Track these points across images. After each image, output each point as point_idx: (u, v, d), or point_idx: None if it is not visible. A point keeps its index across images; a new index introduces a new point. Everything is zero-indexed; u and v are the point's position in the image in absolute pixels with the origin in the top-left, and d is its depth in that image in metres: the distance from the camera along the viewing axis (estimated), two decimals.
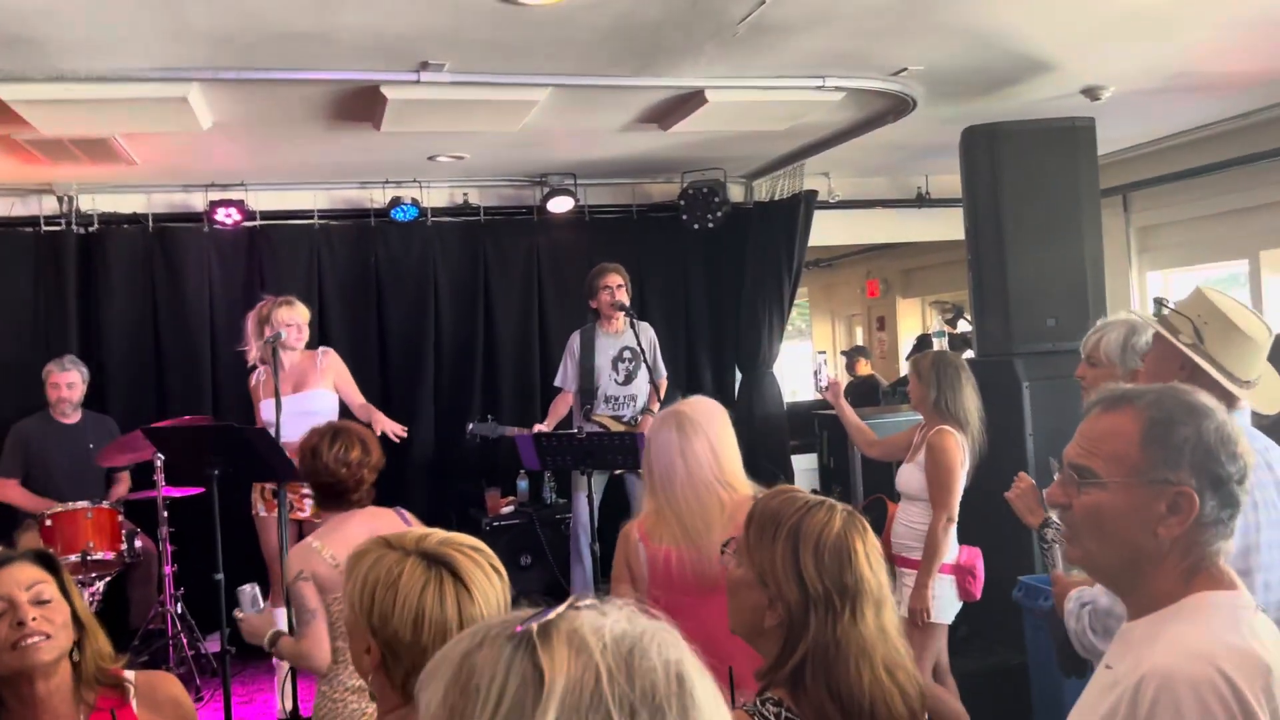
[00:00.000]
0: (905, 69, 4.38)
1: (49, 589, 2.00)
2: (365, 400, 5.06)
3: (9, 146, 4.78)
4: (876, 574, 1.65)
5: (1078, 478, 1.45)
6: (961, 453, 3.80)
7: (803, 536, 1.63)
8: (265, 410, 4.66)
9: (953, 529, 3.81)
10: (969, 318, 6.00)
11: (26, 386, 5.48)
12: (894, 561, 3.88)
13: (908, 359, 9.63)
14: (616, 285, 5.40)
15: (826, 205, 6.75)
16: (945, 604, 3.80)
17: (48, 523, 4.72)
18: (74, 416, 5.30)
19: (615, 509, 5.65)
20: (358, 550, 1.62)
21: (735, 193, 6.75)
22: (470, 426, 5.41)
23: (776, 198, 6.61)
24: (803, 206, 6.42)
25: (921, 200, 7.09)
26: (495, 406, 6.39)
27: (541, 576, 5.97)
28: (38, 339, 5.74)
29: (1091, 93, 4.79)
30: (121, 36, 3.47)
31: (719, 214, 6.35)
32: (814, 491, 1.80)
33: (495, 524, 5.94)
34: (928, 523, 3.81)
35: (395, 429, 4.87)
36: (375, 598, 1.53)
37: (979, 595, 3.86)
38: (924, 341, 9.85)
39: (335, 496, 2.96)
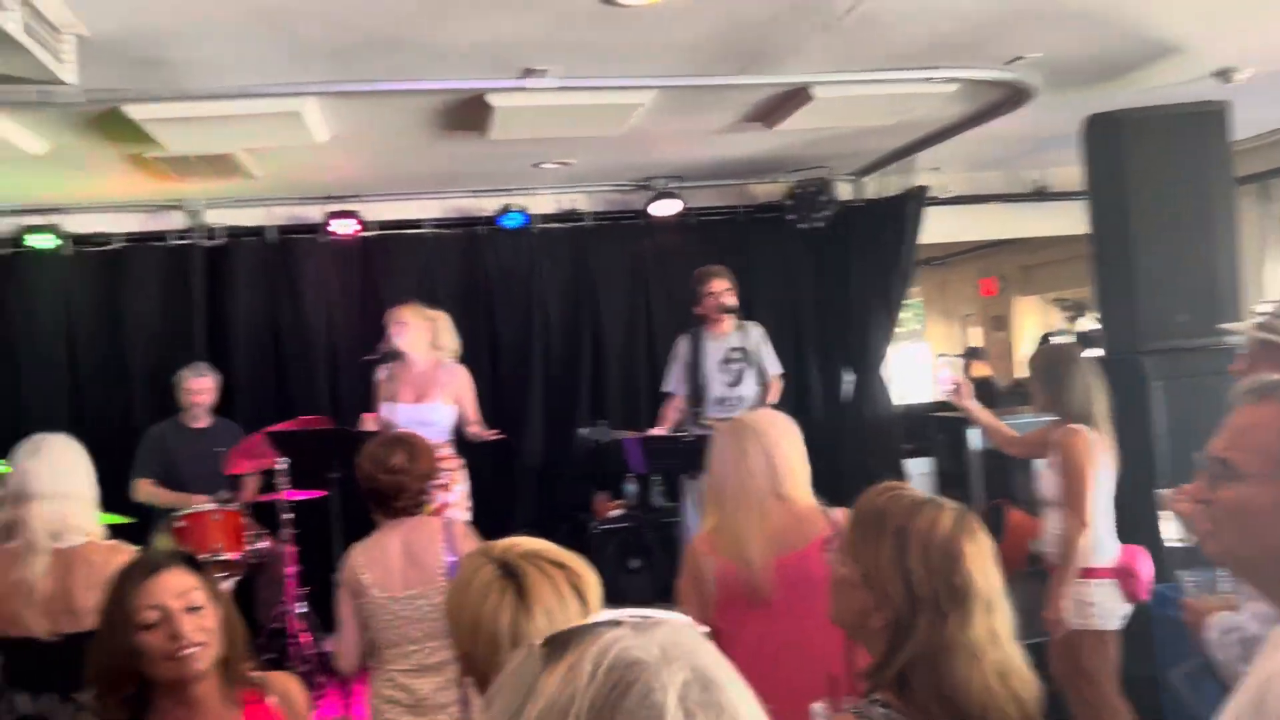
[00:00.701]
0: (1021, 57, 4.22)
1: (199, 595, 2.01)
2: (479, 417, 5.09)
3: (141, 165, 5.02)
4: (987, 576, 1.57)
5: (1221, 471, 1.36)
6: (1093, 451, 3.61)
7: (910, 536, 1.57)
8: (385, 410, 4.76)
9: (1100, 531, 3.61)
10: (1093, 315, 5.75)
11: (159, 393, 5.77)
12: (1048, 569, 3.72)
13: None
14: (724, 289, 5.36)
15: (938, 201, 6.56)
16: (1109, 610, 3.59)
17: (180, 524, 4.92)
18: (204, 421, 5.52)
19: None
20: (467, 554, 1.70)
21: (843, 190, 6.62)
22: (580, 431, 5.43)
23: (886, 195, 6.46)
24: (913, 203, 6.26)
25: (1040, 194, 6.83)
26: (602, 411, 6.40)
27: (651, 580, 5.96)
28: (168, 347, 6.00)
29: (1225, 75, 4.53)
30: (241, 54, 3.61)
31: (826, 213, 6.25)
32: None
33: (603, 528, 5.96)
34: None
35: (488, 436, 4.92)
36: (451, 601, 1.57)
37: (1146, 596, 3.63)
38: (1045, 341, 9.51)
39: (380, 503, 3.02)
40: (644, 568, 5.99)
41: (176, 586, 1.99)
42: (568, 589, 1.55)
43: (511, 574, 1.54)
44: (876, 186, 6.57)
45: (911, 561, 1.55)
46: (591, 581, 1.58)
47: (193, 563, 2.07)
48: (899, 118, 4.93)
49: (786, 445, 2.50)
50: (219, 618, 2.02)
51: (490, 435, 4.91)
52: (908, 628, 1.53)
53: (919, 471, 6.44)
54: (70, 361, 6.00)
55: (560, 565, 1.57)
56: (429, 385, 4.87)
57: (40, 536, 2.75)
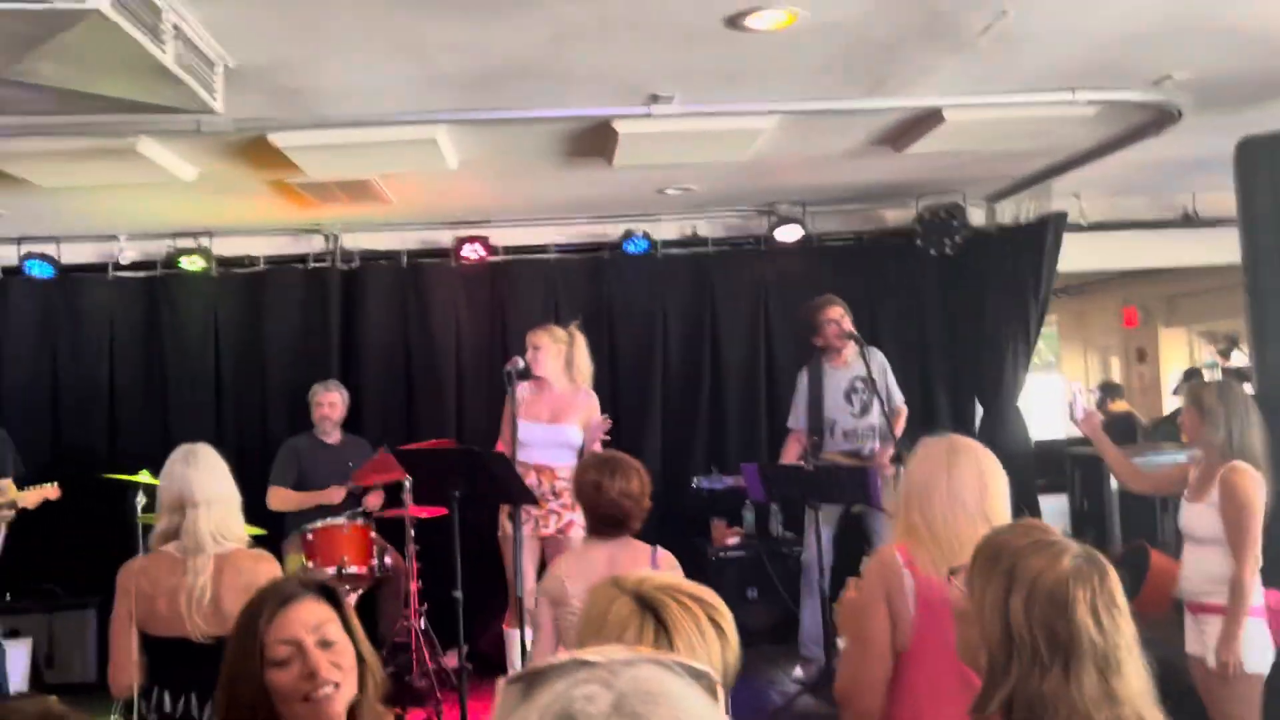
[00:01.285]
0: (1169, 77, 4.02)
1: (334, 628, 1.85)
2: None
3: (283, 190, 5.25)
4: (1105, 630, 1.46)
5: None
6: (1261, 491, 3.41)
7: (1017, 577, 1.48)
8: (520, 429, 4.82)
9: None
10: (1245, 349, 5.40)
11: (294, 407, 6.02)
12: (1188, 609, 3.53)
13: (1175, 392, 8.83)
14: (840, 316, 5.25)
15: (1078, 228, 6.30)
16: (1259, 651, 3.39)
17: (309, 536, 5.09)
18: (335, 436, 5.72)
19: (849, 546, 5.48)
20: (594, 586, 1.59)
21: (975, 216, 6.42)
22: (696, 481, 5.42)
23: (1021, 220, 6.24)
24: (1051, 229, 6.02)
25: (1188, 220, 6.49)
26: (721, 438, 6.36)
27: (770, 611, 5.85)
28: (304, 364, 6.25)
29: None
30: (378, 83, 3.73)
31: (958, 239, 6.06)
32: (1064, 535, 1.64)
33: (721, 555, 5.90)
34: (1223, 567, 3.42)
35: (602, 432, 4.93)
36: (585, 633, 1.50)
37: None
38: (1193, 375, 9.00)
39: (612, 525, 3.02)
40: (761, 598, 5.90)
41: (310, 619, 1.83)
42: (707, 622, 1.49)
43: (650, 607, 1.48)
44: (1011, 212, 6.35)
45: (1013, 603, 1.47)
46: (727, 615, 1.52)
47: (329, 593, 1.90)
48: (1036, 141, 4.77)
49: (998, 471, 2.40)
50: (355, 654, 1.87)
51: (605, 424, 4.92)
52: (1001, 672, 1.44)
53: (1053, 509, 6.17)
54: (215, 376, 6.31)
55: (697, 599, 1.51)
56: (564, 407, 4.91)
57: (206, 541, 2.88)
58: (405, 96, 3.91)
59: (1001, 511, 2.34)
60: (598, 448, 4.93)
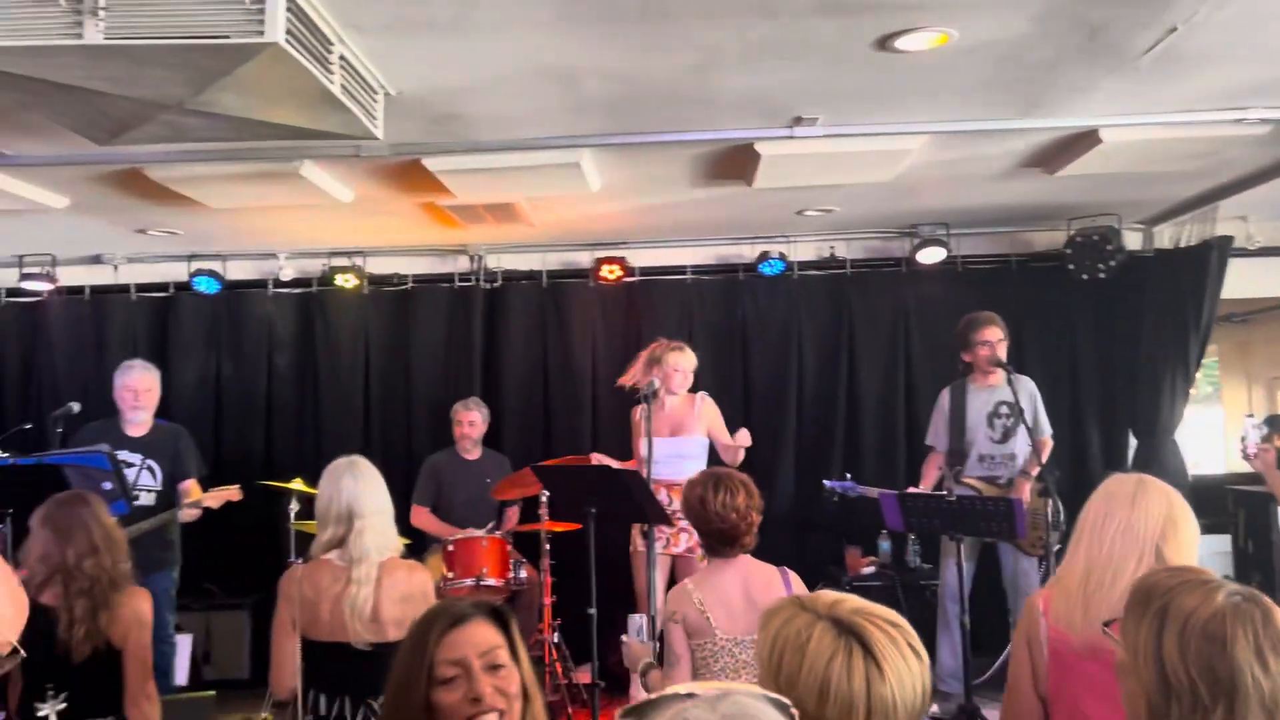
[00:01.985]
0: None
1: (503, 653, 1.83)
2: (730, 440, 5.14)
3: (433, 212, 5.45)
4: (1271, 672, 1.37)
5: None
6: None
7: (1170, 615, 1.41)
8: (643, 447, 4.89)
9: None
10: None
11: (438, 422, 6.22)
12: None
13: None
14: (997, 340, 5.10)
15: (1245, 253, 5.96)
16: None
17: (449, 548, 5.24)
18: (475, 453, 5.87)
19: (987, 580, 5.30)
20: (770, 609, 1.55)
21: (1131, 240, 6.15)
22: (826, 484, 5.32)
23: (1183, 244, 5.93)
24: (1215, 254, 5.70)
25: None
26: (857, 462, 6.24)
27: None
28: (448, 381, 6.46)
29: None
30: (527, 109, 3.84)
31: (1112, 263, 5.80)
32: (1226, 579, 1.54)
33: (854, 584, 5.78)
34: None
35: (745, 441, 4.96)
36: (783, 661, 1.46)
37: None
38: None
39: (725, 542, 3.00)
40: None
41: (481, 642, 1.82)
42: (906, 647, 1.47)
43: (853, 633, 1.45)
44: (1172, 236, 6.04)
45: (1167, 643, 1.39)
46: (918, 642, 1.50)
47: (500, 618, 1.89)
48: (1200, 162, 4.54)
49: (1190, 516, 2.22)
50: (520, 682, 1.83)
51: (746, 440, 4.94)
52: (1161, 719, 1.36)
53: (1214, 550, 5.83)
54: (364, 390, 6.57)
55: (895, 624, 1.49)
56: (684, 419, 4.97)
57: (371, 551, 3.01)
58: (552, 122, 4.01)
59: (1185, 556, 2.18)
60: (730, 457, 4.94)
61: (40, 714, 2.77)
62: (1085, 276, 5.88)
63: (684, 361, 5.05)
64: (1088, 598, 2.17)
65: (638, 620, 3.15)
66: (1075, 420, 6.25)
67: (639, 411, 5.12)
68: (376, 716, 2.97)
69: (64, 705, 2.76)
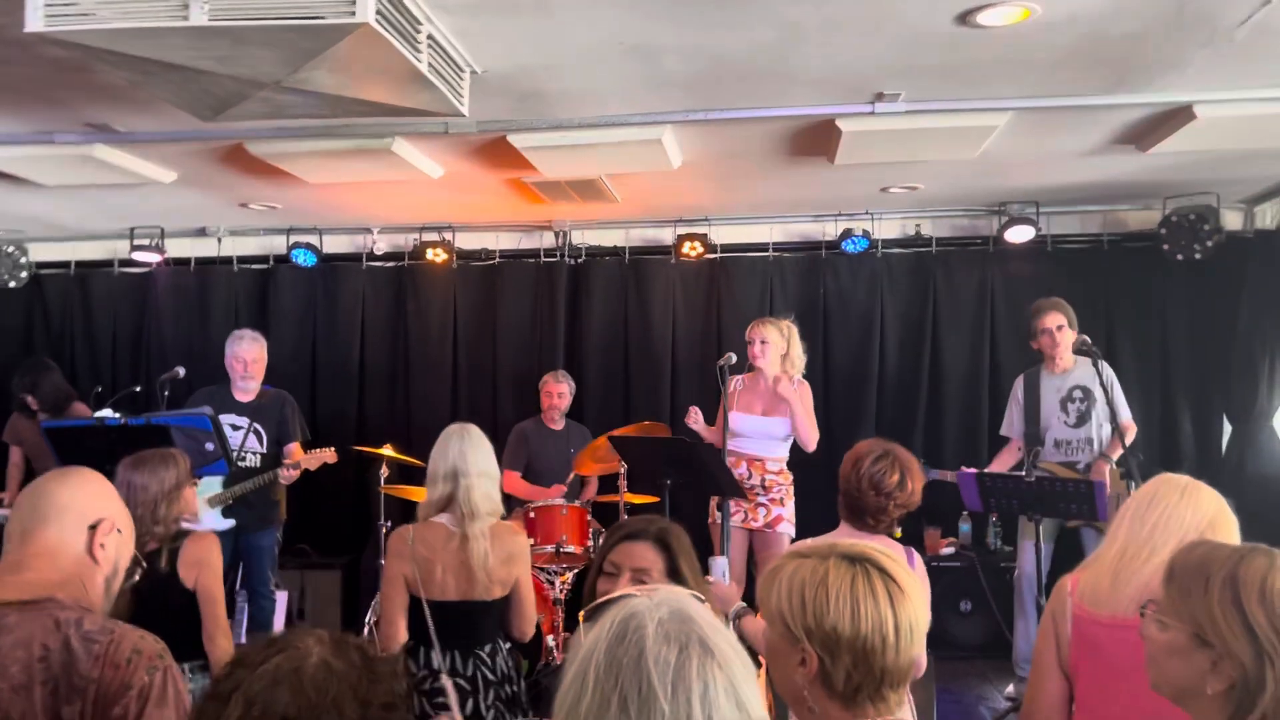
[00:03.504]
0: None
1: (656, 572, 2.20)
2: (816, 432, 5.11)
3: (519, 189, 5.57)
4: None
5: None
6: None
7: (1242, 584, 1.42)
8: (732, 420, 4.93)
9: None
10: None
11: (521, 393, 6.39)
12: None
13: None
14: (1056, 326, 5.02)
15: None
16: None
17: (531, 515, 5.38)
18: (560, 424, 6.00)
19: (1070, 562, 5.22)
20: (771, 567, 1.61)
21: (1230, 220, 5.95)
22: None
23: None
24: None
25: None
26: (938, 443, 6.21)
27: (984, 624, 5.68)
28: (532, 354, 6.62)
29: None
30: (609, 86, 3.91)
31: (1209, 243, 5.63)
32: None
33: (934, 564, 5.75)
34: None
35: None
36: (805, 598, 1.51)
37: None
38: None
39: (854, 513, 2.87)
40: (975, 611, 5.72)
41: (639, 557, 2.22)
42: (909, 571, 1.55)
43: (863, 560, 1.53)
44: (1275, 215, 5.83)
45: (1252, 610, 1.41)
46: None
47: (664, 544, 2.25)
48: None
49: (1230, 525, 2.22)
50: None
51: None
52: (1257, 686, 1.38)
53: None
54: (452, 361, 6.76)
55: (893, 556, 1.57)
56: (778, 400, 4.98)
57: (480, 507, 3.16)
58: (634, 98, 4.07)
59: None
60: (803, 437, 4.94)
61: None
62: (1180, 257, 5.72)
63: (759, 331, 5.01)
64: (1117, 572, 2.19)
65: (720, 563, 3.18)
66: (1167, 404, 6.10)
67: (734, 382, 5.15)
68: (487, 665, 3.15)
69: None
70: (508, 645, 3.32)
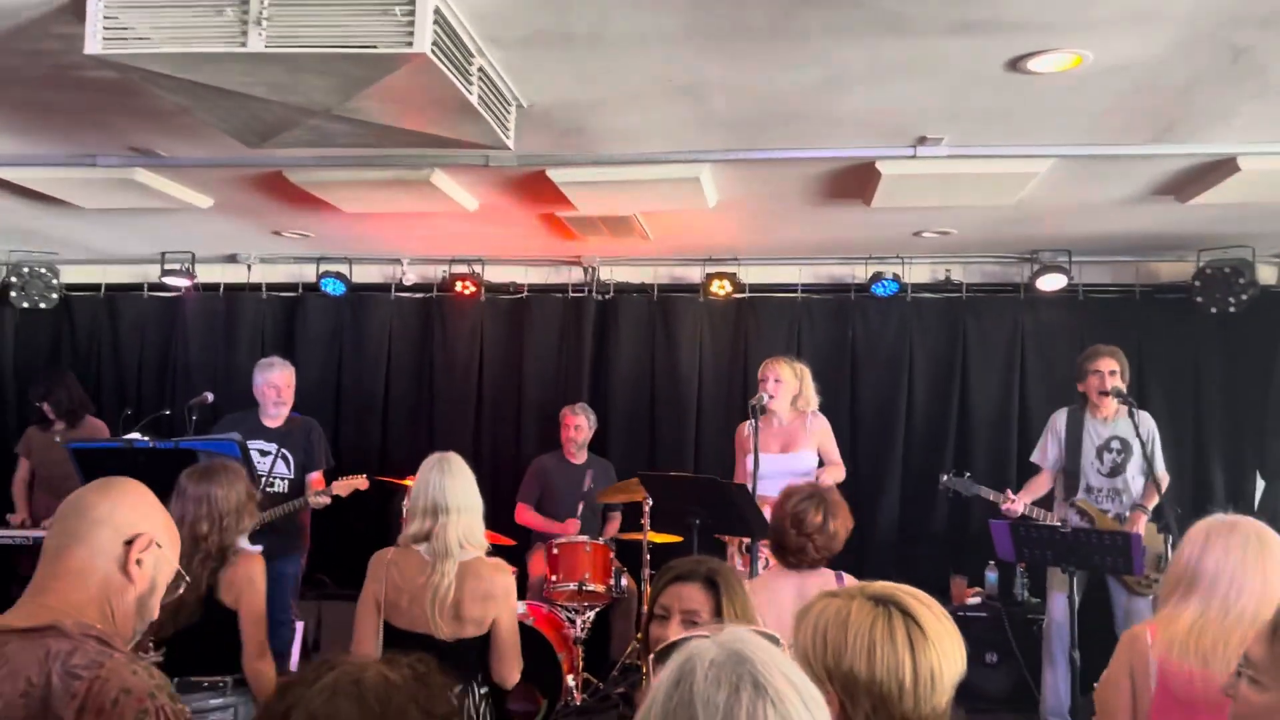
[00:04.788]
0: None
1: (705, 613, 2.17)
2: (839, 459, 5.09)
3: (552, 224, 5.58)
4: None
5: None
6: None
7: None
8: (749, 463, 4.88)
9: None
10: None
11: (545, 426, 6.36)
12: None
13: None
14: (1109, 370, 4.97)
15: None
16: None
17: (554, 550, 5.33)
18: (580, 457, 5.97)
19: (1095, 615, 5.14)
20: (804, 607, 1.60)
21: (1266, 274, 5.91)
22: (944, 478, 5.23)
23: None
24: None
25: None
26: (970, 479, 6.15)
27: (1009, 678, 5.58)
28: (558, 387, 6.60)
29: None
30: (653, 124, 3.92)
31: (1243, 297, 5.59)
32: None
33: (960, 613, 5.65)
34: None
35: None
36: (828, 638, 1.50)
37: None
38: None
39: (778, 549, 3.06)
40: (1001, 663, 5.62)
41: (688, 599, 2.21)
42: (942, 616, 1.52)
43: (889, 602, 1.52)
44: None
45: None
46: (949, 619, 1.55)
47: (713, 584, 2.22)
48: None
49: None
50: None
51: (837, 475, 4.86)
52: None
53: None
54: (477, 393, 6.75)
55: (925, 601, 1.55)
56: (795, 436, 4.94)
57: (454, 547, 3.09)
58: (675, 136, 4.07)
59: None
60: (830, 476, 4.89)
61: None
62: (1214, 310, 5.68)
63: (772, 369, 4.97)
64: (1223, 641, 2.14)
65: None
66: (1199, 459, 6.03)
67: (745, 427, 5.11)
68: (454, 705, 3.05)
69: (160, 659, 2.90)
70: (484, 689, 3.20)
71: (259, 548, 5.03)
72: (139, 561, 1.80)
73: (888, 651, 1.45)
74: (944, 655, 1.47)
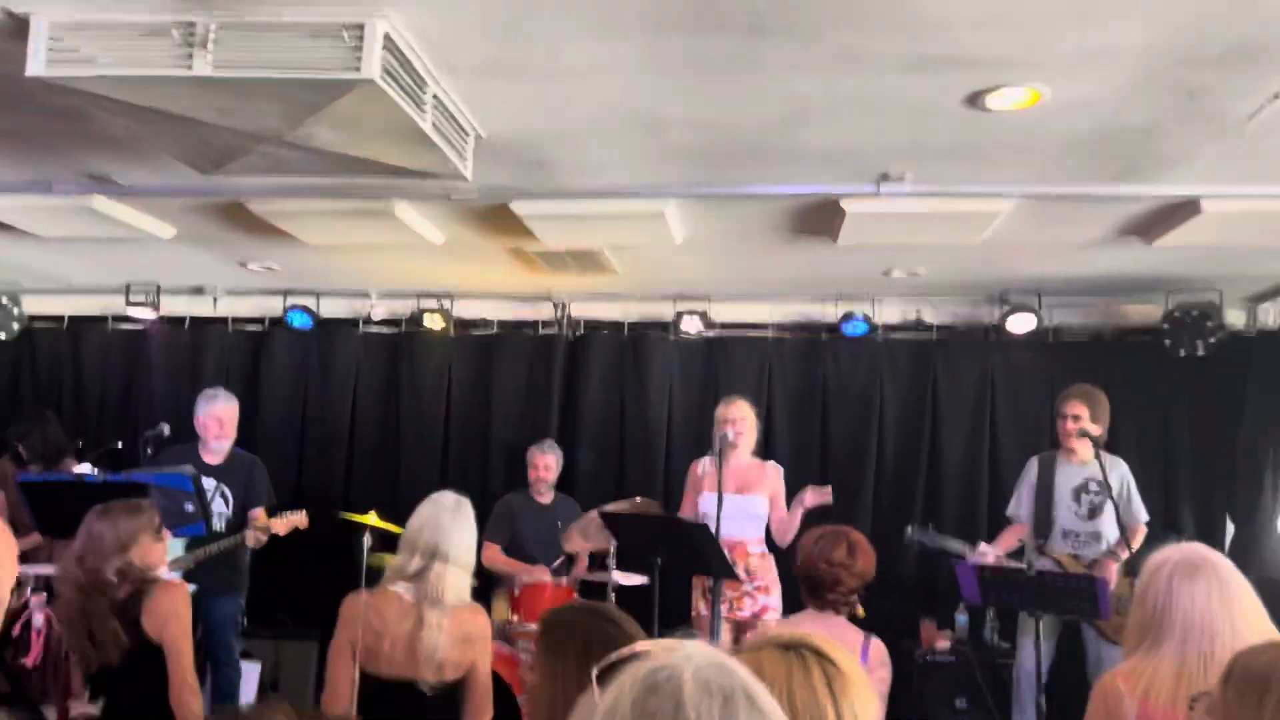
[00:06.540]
0: None
1: None
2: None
3: (519, 258, 5.54)
4: None
5: None
6: None
7: None
8: (703, 502, 4.80)
9: None
10: None
11: (512, 465, 6.26)
12: None
13: None
14: (1072, 415, 4.94)
15: None
16: None
17: (516, 592, 5.22)
18: (547, 496, 5.88)
19: (1067, 660, 5.07)
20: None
21: (1234, 317, 5.91)
22: (909, 531, 5.16)
23: None
24: None
25: None
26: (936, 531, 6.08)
27: None
28: (525, 425, 6.50)
29: None
30: (614, 157, 3.89)
31: (1212, 340, 5.59)
32: None
33: (929, 658, 5.58)
34: None
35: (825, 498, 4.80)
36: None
37: None
38: None
39: (812, 590, 3.08)
40: (971, 709, 5.52)
41: None
42: (848, 653, 1.48)
43: (797, 646, 1.47)
44: (1277, 315, 5.80)
45: None
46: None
47: None
48: None
49: (1246, 596, 2.24)
50: None
51: (825, 496, 4.78)
52: None
53: None
54: (444, 430, 6.66)
55: (830, 642, 1.49)
56: (752, 478, 4.88)
57: (449, 597, 3.01)
58: (637, 170, 4.04)
59: (1258, 627, 2.13)
60: (782, 531, 4.81)
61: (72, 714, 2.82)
62: (1183, 353, 5.67)
63: (729, 410, 4.92)
64: (1191, 679, 2.13)
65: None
66: (1169, 503, 5.99)
67: (700, 465, 5.06)
68: None
69: (98, 708, 2.80)
70: None
71: (178, 575, 4.95)
72: None
73: (806, 696, 1.40)
74: (859, 696, 1.41)
